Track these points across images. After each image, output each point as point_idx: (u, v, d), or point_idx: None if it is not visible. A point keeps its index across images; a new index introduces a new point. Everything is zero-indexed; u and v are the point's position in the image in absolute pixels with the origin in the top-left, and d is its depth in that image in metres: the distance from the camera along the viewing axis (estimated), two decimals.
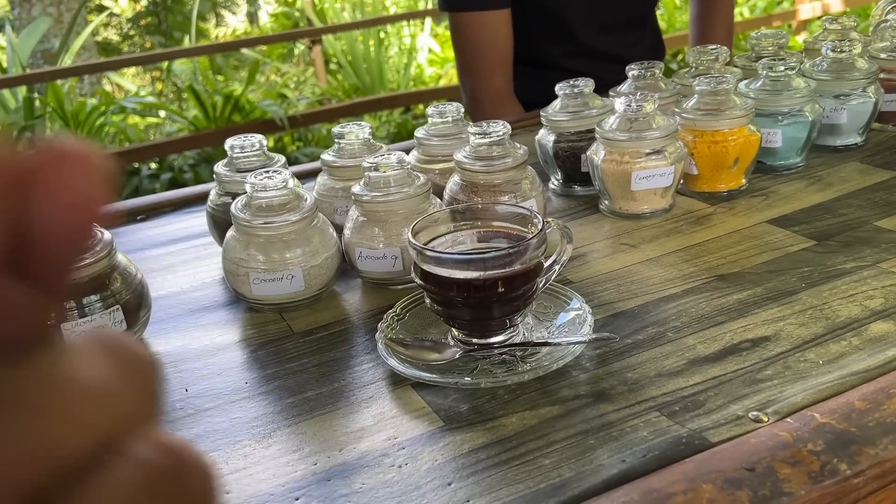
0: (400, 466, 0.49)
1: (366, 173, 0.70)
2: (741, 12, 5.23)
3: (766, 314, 0.62)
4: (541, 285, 0.61)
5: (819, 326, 0.59)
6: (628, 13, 1.38)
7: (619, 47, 1.37)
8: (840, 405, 0.48)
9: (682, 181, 0.84)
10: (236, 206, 0.69)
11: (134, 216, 0.96)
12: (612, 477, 0.46)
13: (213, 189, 0.81)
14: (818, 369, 0.54)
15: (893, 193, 0.80)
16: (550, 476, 0.46)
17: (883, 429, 0.46)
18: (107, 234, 0.64)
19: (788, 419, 0.48)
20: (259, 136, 0.80)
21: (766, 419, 0.49)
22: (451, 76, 4.77)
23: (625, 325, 0.62)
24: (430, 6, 5.91)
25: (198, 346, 0.66)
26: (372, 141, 0.82)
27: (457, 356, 0.58)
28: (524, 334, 0.61)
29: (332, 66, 4.95)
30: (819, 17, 5.12)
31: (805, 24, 4.98)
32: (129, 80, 6.13)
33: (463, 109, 0.85)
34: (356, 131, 0.80)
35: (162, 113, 4.47)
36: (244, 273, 0.68)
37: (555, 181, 0.92)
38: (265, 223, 0.67)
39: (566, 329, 0.61)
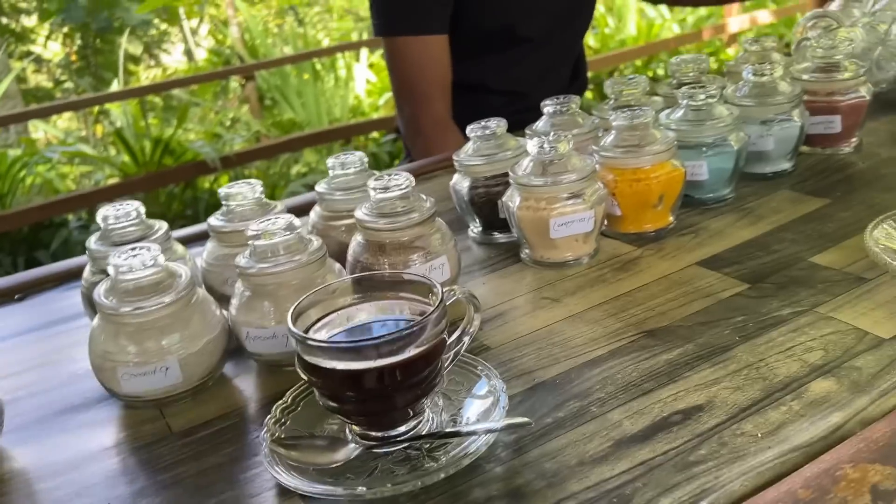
0: None
1: (250, 242, 0.63)
2: (670, 27, 5.32)
3: (698, 377, 0.55)
4: (447, 363, 0.54)
5: (756, 389, 0.53)
6: (572, 21, 1.36)
7: (551, 62, 1.34)
8: (782, 496, 0.42)
9: (605, 223, 0.79)
10: (99, 291, 0.60)
11: (11, 295, 0.86)
12: None
13: (87, 266, 0.72)
14: (756, 445, 0.48)
15: (826, 223, 0.76)
16: None
17: None
18: None
19: None
20: (136, 204, 0.72)
21: None
22: (389, 106, 4.72)
23: (544, 399, 0.55)
24: (364, 37, 5.88)
25: (60, 458, 0.57)
26: (264, 200, 0.74)
27: (353, 455, 0.51)
28: (431, 419, 0.54)
29: (268, 103, 4.86)
30: (749, 29, 5.23)
31: (735, 38, 5.08)
32: (64, 124, 5.94)
33: (366, 160, 0.78)
34: (245, 191, 0.72)
35: (89, 160, 4.31)
36: (111, 368, 0.59)
37: (474, 229, 0.85)
38: (134, 309, 0.58)
39: (479, 412, 0.54)
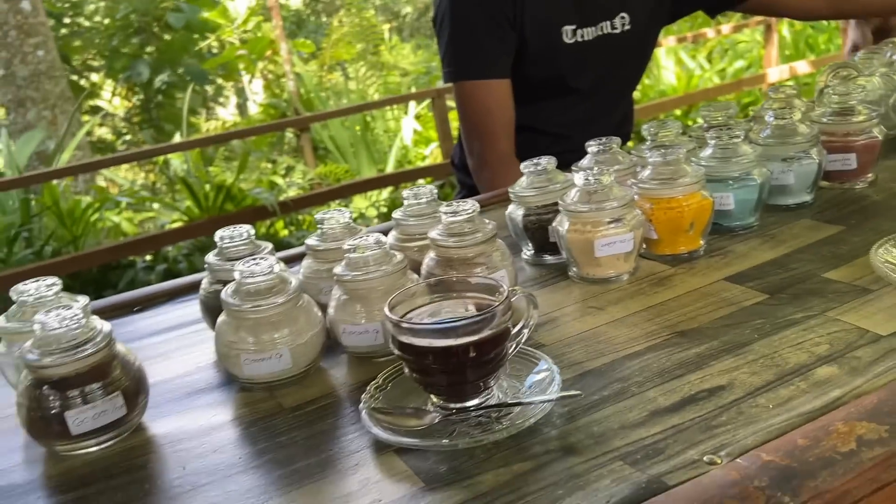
0: None
1: (346, 255, 0.76)
2: (711, 78, 5.44)
3: (722, 365, 0.66)
4: (511, 350, 0.66)
5: (770, 374, 0.64)
6: (619, 77, 1.50)
7: (598, 111, 1.48)
8: (784, 443, 0.53)
9: (644, 246, 0.90)
10: (226, 292, 0.74)
11: (130, 308, 1.01)
12: None
13: (204, 278, 0.86)
14: (768, 413, 0.58)
15: (840, 246, 0.86)
16: None
17: (822, 463, 0.50)
18: (106, 326, 0.69)
19: (739, 460, 0.52)
20: (247, 227, 0.86)
21: (719, 461, 0.53)
22: (435, 155, 4.91)
23: (592, 382, 0.67)
24: (412, 90, 6.12)
25: (194, 427, 0.70)
26: (352, 224, 0.87)
27: (436, 421, 0.63)
28: (498, 396, 0.65)
29: (321, 152, 5.09)
30: (788, 79, 5.33)
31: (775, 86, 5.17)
32: (124, 175, 6.27)
33: (436, 192, 0.92)
34: (337, 217, 0.86)
35: (156, 205, 4.57)
36: (236, 355, 0.72)
37: (526, 252, 0.98)
38: (254, 307, 0.72)
39: (537, 389, 0.65)
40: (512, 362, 0.68)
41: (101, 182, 5.90)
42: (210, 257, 0.85)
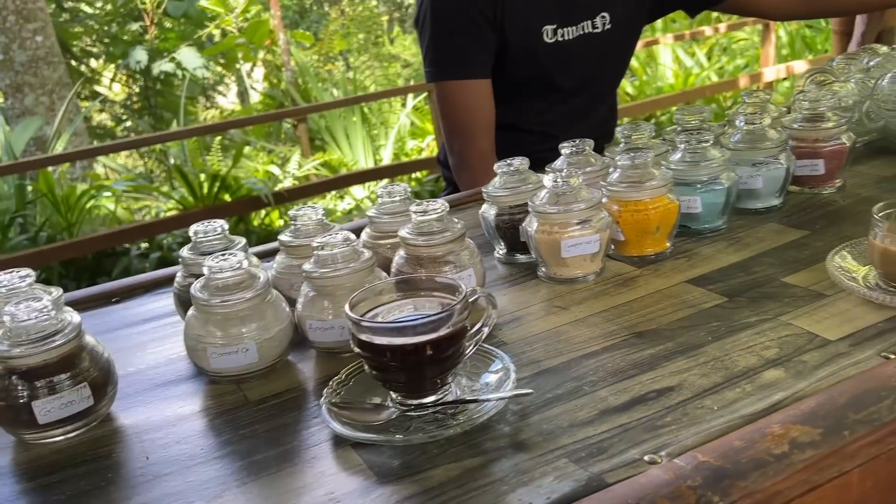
0: None
1: (315, 252, 0.78)
2: (709, 76, 5.44)
3: (674, 366, 0.68)
4: (469, 348, 0.67)
5: (718, 376, 0.66)
6: (603, 75, 1.52)
7: (582, 106, 1.50)
8: (720, 444, 0.54)
9: (612, 247, 0.92)
10: (196, 287, 0.75)
11: (109, 298, 1.02)
12: None
13: (179, 271, 0.88)
14: (712, 415, 0.60)
15: (802, 251, 0.88)
16: None
17: (754, 464, 0.52)
18: (76, 317, 0.70)
19: (676, 460, 0.54)
20: (220, 222, 0.88)
21: (659, 461, 0.55)
22: (431, 148, 4.92)
23: (548, 380, 0.68)
24: (411, 82, 6.12)
25: (160, 418, 0.72)
26: (325, 221, 0.89)
27: (393, 417, 0.64)
28: (456, 393, 0.67)
29: (317, 143, 5.10)
30: (785, 78, 5.34)
31: (771, 85, 5.18)
32: (123, 162, 6.28)
33: (410, 190, 0.93)
34: (310, 213, 0.88)
35: (154, 194, 4.59)
36: (203, 348, 0.74)
37: (499, 251, 1.00)
38: (222, 301, 0.74)
39: (492, 387, 0.67)
40: (471, 360, 0.70)
41: (99, 169, 5.92)
42: (184, 251, 0.87)
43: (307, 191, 4.23)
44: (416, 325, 0.62)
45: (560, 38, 1.41)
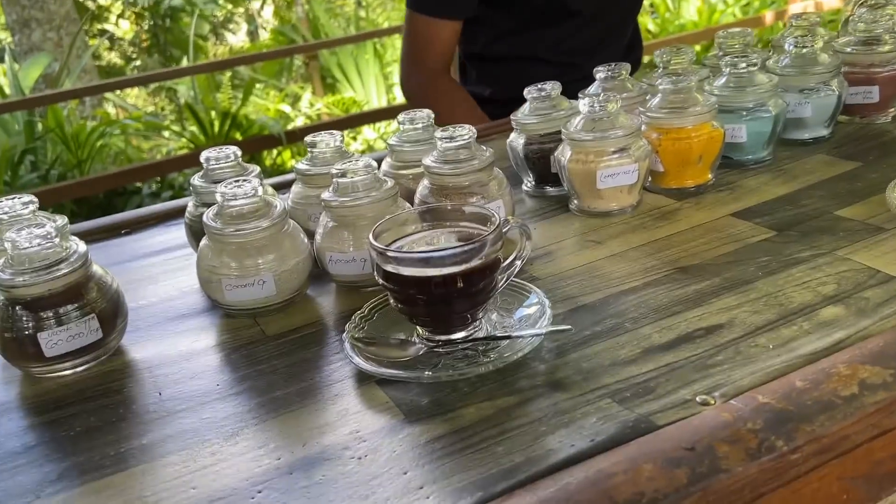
0: (359, 458, 0.51)
1: (334, 179, 0.72)
2: (734, 13, 5.26)
3: (722, 303, 0.63)
4: (501, 282, 0.63)
5: (772, 313, 0.61)
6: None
7: (602, 35, 1.42)
8: (782, 386, 0.50)
9: (649, 178, 0.86)
10: (208, 215, 0.71)
11: (118, 230, 0.98)
12: (559, 461, 0.47)
13: (190, 201, 0.83)
14: (767, 353, 0.55)
15: (855, 183, 0.82)
16: (501, 462, 0.48)
17: (820, 406, 0.47)
18: (82, 246, 0.66)
19: (733, 401, 0.50)
20: (233, 148, 0.83)
21: (712, 402, 0.51)
22: None
23: (585, 317, 0.64)
24: None
25: (173, 353, 0.68)
26: (344, 149, 0.84)
27: (420, 353, 0.60)
28: (487, 329, 0.63)
29: (329, 81, 5.00)
30: (814, 13, 5.13)
31: None
32: (133, 101, 6.20)
33: (433, 116, 0.87)
34: (328, 140, 0.82)
35: (165, 133, 4.52)
36: (217, 280, 0.70)
37: (527, 183, 0.94)
38: (236, 230, 0.69)
39: (526, 323, 0.62)
40: (502, 295, 0.66)
41: (109, 109, 5.84)
42: (195, 179, 0.82)
43: (319, 129, 4.14)
44: (445, 255, 0.57)
45: None
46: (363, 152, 4.54)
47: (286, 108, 4.71)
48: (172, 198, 3.63)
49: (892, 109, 0.97)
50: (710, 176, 0.86)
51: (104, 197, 3.73)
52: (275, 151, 4.16)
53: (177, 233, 0.95)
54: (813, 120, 0.92)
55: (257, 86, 4.86)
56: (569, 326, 0.60)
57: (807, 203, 0.79)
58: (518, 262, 0.64)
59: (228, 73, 4.95)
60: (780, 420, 0.47)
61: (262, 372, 0.63)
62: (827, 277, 0.65)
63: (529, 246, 0.64)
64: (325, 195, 0.73)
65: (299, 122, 4.54)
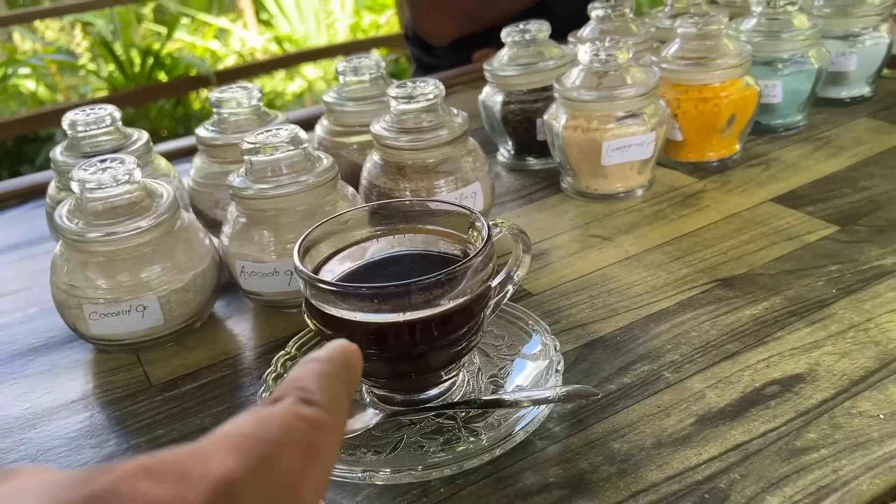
0: None
1: (246, 157, 0.51)
2: None
3: (793, 338, 0.45)
4: (489, 313, 0.43)
5: (868, 356, 0.43)
6: None
7: None
8: None
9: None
10: (61, 212, 0.49)
11: None
12: None
13: (52, 181, 0.61)
14: (881, 428, 0.38)
15: None
16: None
17: None
18: None
19: None
20: (111, 108, 0.60)
21: None
22: (391, 24, 4.51)
23: (604, 360, 0.45)
24: None
25: (12, 414, 0.47)
26: (263, 109, 0.62)
27: (372, 423, 0.41)
28: (467, 381, 0.44)
29: (264, 16, 4.63)
30: None
31: None
32: (52, 37, 5.67)
33: (384, 65, 0.66)
34: (239, 97, 0.60)
35: (81, 73, 4.11)
36: (77, 305, 0.48)
37: (504, 152, 0.74)
38: (105, 235, 0.48)
39: (527, 376, 0.44)
40: (488, 326, 0.47)
41: (25, 47, 5.32)
42: (57, 153, 0.59)
43: (253, 70, 3.82)
44: (412, 289, 0.37)
45: None
46: (302, 94, 4.24)
47: (216, 45, 4.34)
48: None
49: None
50: (737, 147, 0.68)
51: (13, 143, 3.36)
52: (204, 93, 3.82)
53: (42, 218, 0.72)
54: (855, 75, 0.75)
55: (183, 20, 4.45)
56: (593, 389, 0.41)
57: (867, 185, 0.62)
58: (511, 287, 0.45)
59: (151, 5, 4.53)
60: None
61: (140, 448, 0.43)
62: None
63: (528, 260, 0.45)
64: (234, 179, 0.52)
65: (230, 61, 4.18)
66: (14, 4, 6.23)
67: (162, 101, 3.48)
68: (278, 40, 4.36)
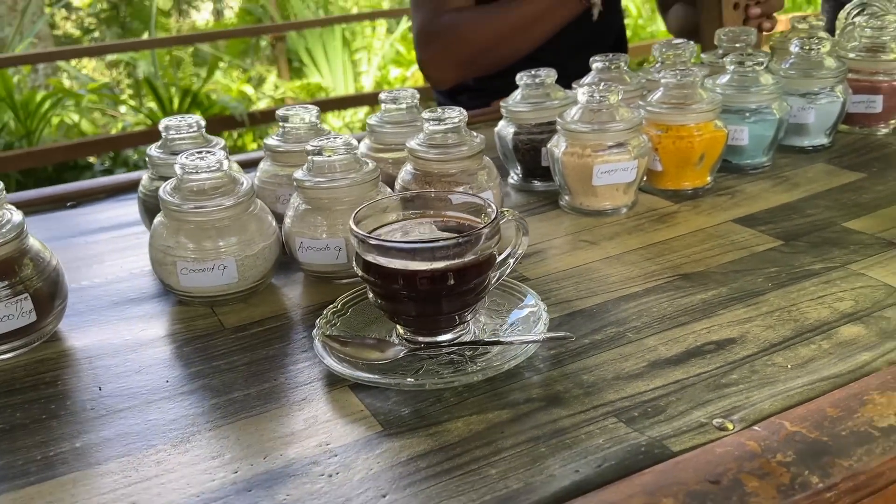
0: (330, 476, 0.44)
1: (309, 157, 0.65)
2: None
3: (732, 315, 0.58)
4: (494, 280, 0.56)
5: (787, 329, 0.56)
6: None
7: (587, 35, 1.34)
8: (811, 412, 0.45)
9: (644, 178, 0.81)
10: (165, 189, 0.63)
11: (64, 202, 0.89)
12: (563, 489, 0.41)
13: (145, 173, 0.75)
14: (786, 374, 0.50)
15: (861, 195, 0.78)
16: (496, 487, 0.42)
17: (857, 438, 0.42)
18: (17, 215, 0.58)
19: (756, 427, 0.44)
20: (196, 117, 0.75)
21: (731, 427, 0.45)
22: (416, 78, 4.73)
23: (582, 324, 0.58)
24: (397, 6, 5.86)
25: (117, 341, 0.60)
26: (320, 126, 0.76)
27: (400, 355, 0.53)
28: (475, 332, 0.56)
29: (296, 65, 4.87)
30: (781, 32, 5.20)
31: (764, 38, 5.04)
32: (88, 72, 5.95)
33: (417, 96, 0.81)
34: (302, 114, 0.75)
35: (122, 108, 4.34)
36: (172, 262, 0.62)
37: (514, 175, 0.88)
38: (196, 207, 0.61)
39: (520, 327, 0.56)
40: (491, 295, 0.59)
41: (63, 80, 5.59)
42: (152, 150, 0.74)
43: None
44: (436, 247, 0.51)
45: None
46: None
47: (249, 89, 4.57)
48: None
49: (894, 121, 0.94)
50: (708, 179, 0.81)
51: (53, 170, 3.55)
52: (235, 133, 4.03)
53: (129, 208, 0.86)
54: (815, 127, 0.88)
55: (220, 64, 4.70)
56: (570, 334, 0.53)
57: (812, 213, 0.75)
58: (511, 261, 0.58)
59: (190, 50, 4.79)
60: (813, 452, 0.41)
61: (219, 369, 0.55)
62: (843, 293, 0.60)
63: (526, 242, 0.58)
64: (298, 174, 0.66)
65: (262, 104, 4.41)
66: (59, 45, 6.53)
67: None
68: (308, 89, 4.59)
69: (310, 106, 0.76)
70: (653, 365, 0.52)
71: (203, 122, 0.74)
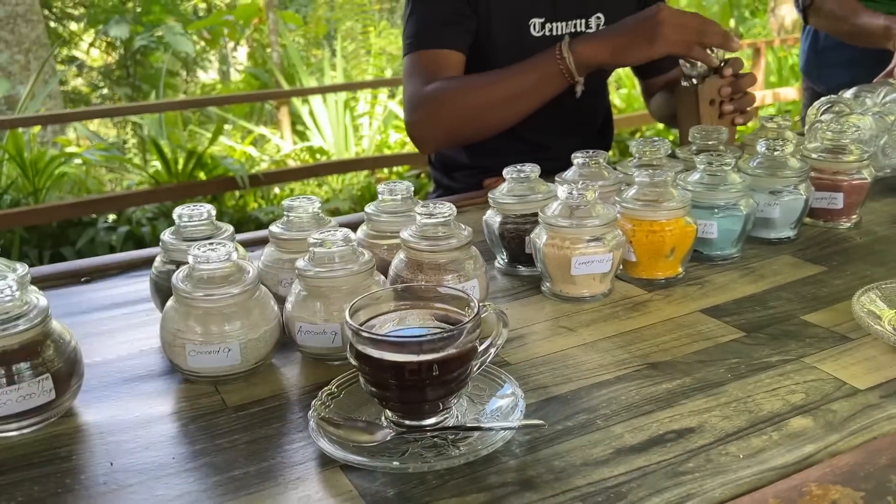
0: None
1: (311, 248, 0.71)
2: None
3: (693, 405, 0.63)
4: (475, 368, 0.62)
5: (742, 420, 0.61)
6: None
7: (574, 117, 1.42)
8: (755, 501, 0.50)
9: (621, 267, 0.87)
10: (177, 276, 0.69)
11: (78, 277, 0.95)
12: None
13: (158, 256, 0.81)
14: (738, 463, 0.55)
15: (821, 288, 0.84)
16: None
17: None
18: (42, 300, 0.63)
19: None
20: (208, 207, 0.81)
21: None
22: None
23: (557, 410, 0.63)
24: (398, 75, 6.04)
25: (128, 417, 0.65)
26: (321, 215, 0.83)
27: (388, 438, 0.58)
28: (457, 417, 0.62)
29: (299, 128, 5.01)
30: (772, 104, 5.37)
31: (756, 110, 5.20)
32: (95, 129, 6.09)
33: (412, 188, 0.87)
34: (305, 205, 0.81)
35: (127, 166, 4.45)
36: (181, 344, 0.67)
37: (500, 260, 0.94)
38: (205, 295, 0.67)
39: (499, 413, 0.61)
40: (475, 381, 0.65)
41: (70, 135, 5.73)
42: (166, 235, 0.80)
43: (284, 175, 4.14)
44: (422, 341, 0.56)
45: (548, 33, 1.35)
46: (328, 200, 4.53)
47: (253, 150, 4.69)
48: (129, 233, 3.55)
49: (855, 216, 1.00)
50: (680, 269, 0.87)
51: (57, 226, 3.63)
52: (237, 193, 4.12)
53: (140, 285, 0.92)
54: (780, 221, 0.95)
55: (225, 126, 4.83)
56: (542, 422, 0.59)
57: (775, 305, 0.80)
58: (493, 350, 0.63)
59: (198, 112, 4.93)
60: None
61: (222, 447, 0.60)
62: (795, 385, 0.65)
63: (506, 333, 0.64)
64: (300, 263, 0.72)
65: (265, 164, 4.51)
66: (67, 100, 6.67)
67: (199, 198, 3.76)
68: (311, 151, 4.71)
69: (313, 198, 0.83)
70: (618, 452, 0.57)
71: (213, 212, 0.80)
